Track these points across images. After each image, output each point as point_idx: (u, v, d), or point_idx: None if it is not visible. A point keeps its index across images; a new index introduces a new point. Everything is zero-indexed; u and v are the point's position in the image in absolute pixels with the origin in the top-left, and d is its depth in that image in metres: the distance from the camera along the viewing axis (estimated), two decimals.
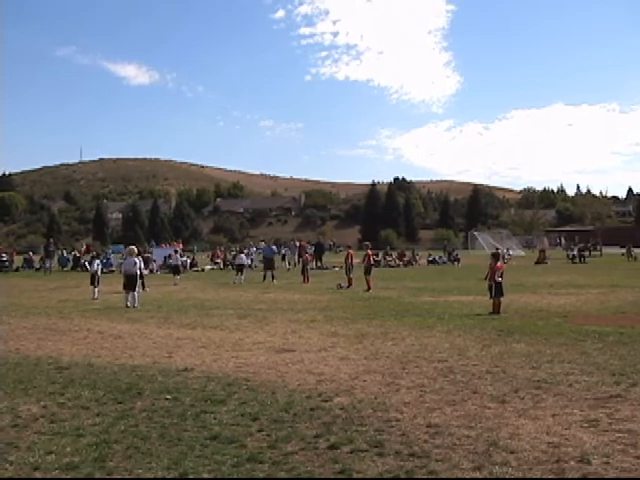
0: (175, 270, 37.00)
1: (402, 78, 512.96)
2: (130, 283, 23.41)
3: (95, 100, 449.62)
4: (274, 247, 41.94)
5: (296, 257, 52.58)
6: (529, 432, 7.80)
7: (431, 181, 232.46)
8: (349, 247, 37.73)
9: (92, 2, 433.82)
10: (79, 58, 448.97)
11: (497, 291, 19.95)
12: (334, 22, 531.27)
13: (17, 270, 53.09)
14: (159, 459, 6.98)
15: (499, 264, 20.84)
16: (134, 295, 23.15)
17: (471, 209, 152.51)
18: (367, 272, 30.28)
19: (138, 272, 23.91)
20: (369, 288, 29.16)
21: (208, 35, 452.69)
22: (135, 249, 25.96)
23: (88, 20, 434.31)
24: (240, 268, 36.31)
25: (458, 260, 57.05)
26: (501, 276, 20.31)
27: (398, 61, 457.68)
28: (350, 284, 31.27)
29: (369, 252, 31.07)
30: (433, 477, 6.44)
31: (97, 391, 10.06)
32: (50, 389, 10.28)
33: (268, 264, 36.99)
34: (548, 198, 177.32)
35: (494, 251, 25.93)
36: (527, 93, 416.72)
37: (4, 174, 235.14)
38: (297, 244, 55.98)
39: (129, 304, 22.89)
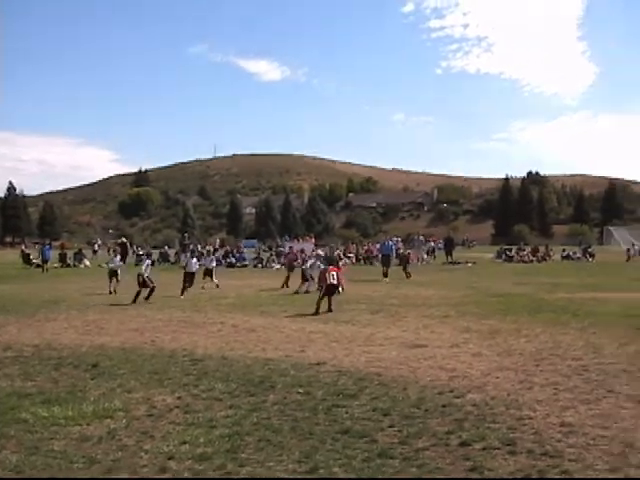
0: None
1: (534, 70, 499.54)
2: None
3: (228, 96, 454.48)
4: (392, 242, 40.81)
5: (424, 253, 52.35)
6: None
7: (565, 175, 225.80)
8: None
9: (223, 0, 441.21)
10: (211, 56, 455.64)
11: (327, 291, 20.10)
12: (464, 14, 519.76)
13: (153, 264, 54.62)
14: (290, 452, 7.04)
15: (332, 267, 21.00)
16: None
17: (607, 204, 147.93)
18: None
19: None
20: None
21: (338, 29, 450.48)
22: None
23: (219, 18, 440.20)
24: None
25: (593, 256, 55.68)
26: (336, 278, 20.38)
27: (530, 52, 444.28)
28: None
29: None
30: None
31: (230, 383, 10.24)
32: (184, 381, 10.54)
33: (385, 260, 36.27)
34: None
35: (330, 255, 25.79)
36: None
37: (140, 170, 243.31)
38: (422, 239, 55.68)
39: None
